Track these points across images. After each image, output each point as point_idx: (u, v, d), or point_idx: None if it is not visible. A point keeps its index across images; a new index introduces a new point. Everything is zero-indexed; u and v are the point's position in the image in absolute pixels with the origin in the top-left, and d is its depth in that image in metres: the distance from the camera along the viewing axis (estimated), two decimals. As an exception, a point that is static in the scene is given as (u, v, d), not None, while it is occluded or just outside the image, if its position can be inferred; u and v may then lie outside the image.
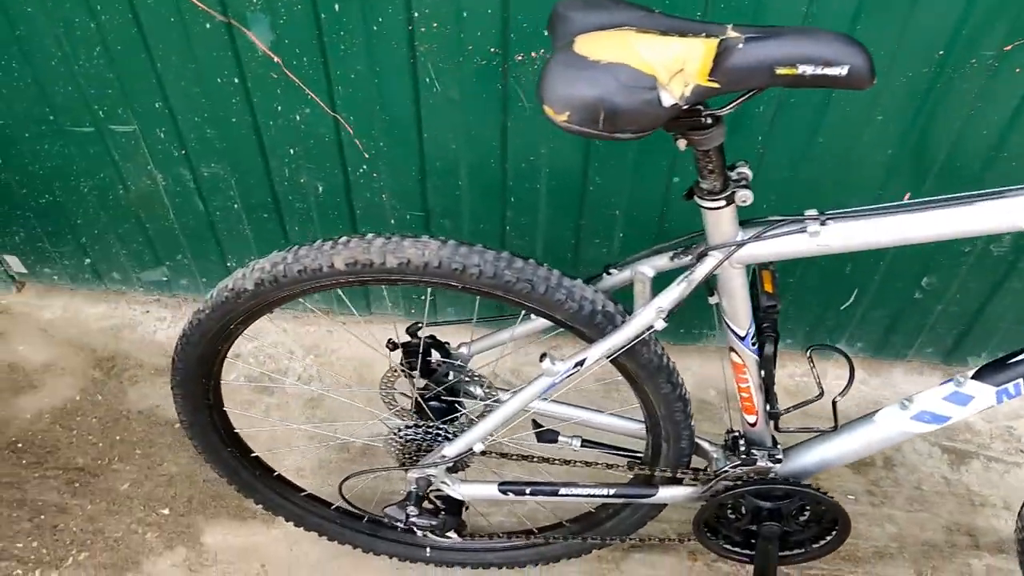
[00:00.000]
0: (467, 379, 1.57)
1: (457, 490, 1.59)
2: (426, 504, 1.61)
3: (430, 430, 1.55)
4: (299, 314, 2.34)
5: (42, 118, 1.84)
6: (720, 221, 1.20)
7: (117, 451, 2.09)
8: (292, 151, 1.84)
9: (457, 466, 1.59)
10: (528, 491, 1.58)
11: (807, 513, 1.57)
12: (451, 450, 1.49)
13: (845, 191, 1.77)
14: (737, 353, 1.37)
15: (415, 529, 1.62)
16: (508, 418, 1.43)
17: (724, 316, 1.34)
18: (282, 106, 1.75)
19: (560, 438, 1.61)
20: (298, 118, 1.77)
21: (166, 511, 2.00)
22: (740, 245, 1.22)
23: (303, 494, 1.83)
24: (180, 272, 2.23)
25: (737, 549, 1.66)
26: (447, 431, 1.55)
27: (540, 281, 1.30)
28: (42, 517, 1.98)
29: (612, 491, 1.58)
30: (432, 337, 1.56)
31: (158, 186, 1.97)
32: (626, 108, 0.98)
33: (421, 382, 1.57)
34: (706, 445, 1.57)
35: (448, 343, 1.56)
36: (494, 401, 1.54)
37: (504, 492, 1.58)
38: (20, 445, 2.09)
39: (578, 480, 1.59)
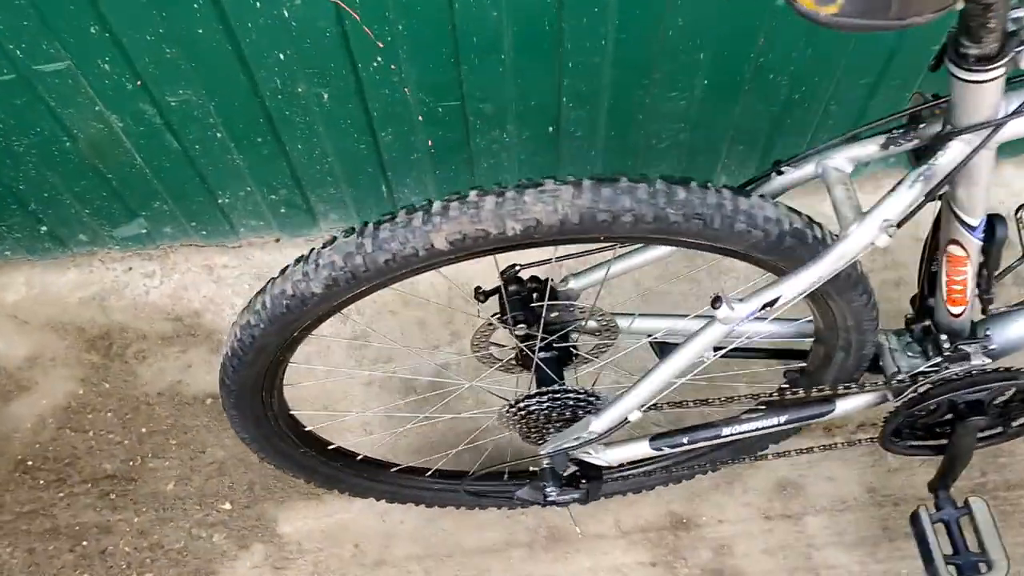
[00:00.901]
0: (585, 321, 1.24)
1: (602, 457, 1.30)
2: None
3: (558, 397, 1.24)
4: (313, 236, 1.95)
5: (-59, 73, 1.37)
6: (984, 95, 0.85)
7: (148, 446, 1.77)
8: (282, 56, 1.40)
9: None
10: (686, 440, 1.30)
11: (1012, 393, 1.32)
12: (600, 424, 1.19)
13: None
14: (961, 245, 1.06)
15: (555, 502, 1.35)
16: (671, 378, 1.12)
17: (954, 207, 1.01)
18: (261, 1, 1.29)
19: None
20: (286, 13, 1.31)
21: (227, 506, 1.71)
22: (1001, 124, 0.88)
23: (394, 470, 1.54)
24: (161, 220, 1.82)
25: (925, 444, 1.41)
26: (584, 396, 1.24)
27: (713, 212, 0.96)
28: (85, 544, 1.68)
29: (783, 418, 1.31)
30: (535, 277, 1.23)
31: (114, 130, 1.53)
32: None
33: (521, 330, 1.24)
34: (882, 337, 1.28)
35: (551, 279, 1.22)
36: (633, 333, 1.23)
37: (657, 448, 1.30)
38: (31, 463, 1.76)
39: (738, 413, 1.31)
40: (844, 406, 1.31)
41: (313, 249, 1.02)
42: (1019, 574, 1.56)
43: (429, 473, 1.57)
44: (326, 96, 1.49)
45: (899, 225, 0.95)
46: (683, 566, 1.64)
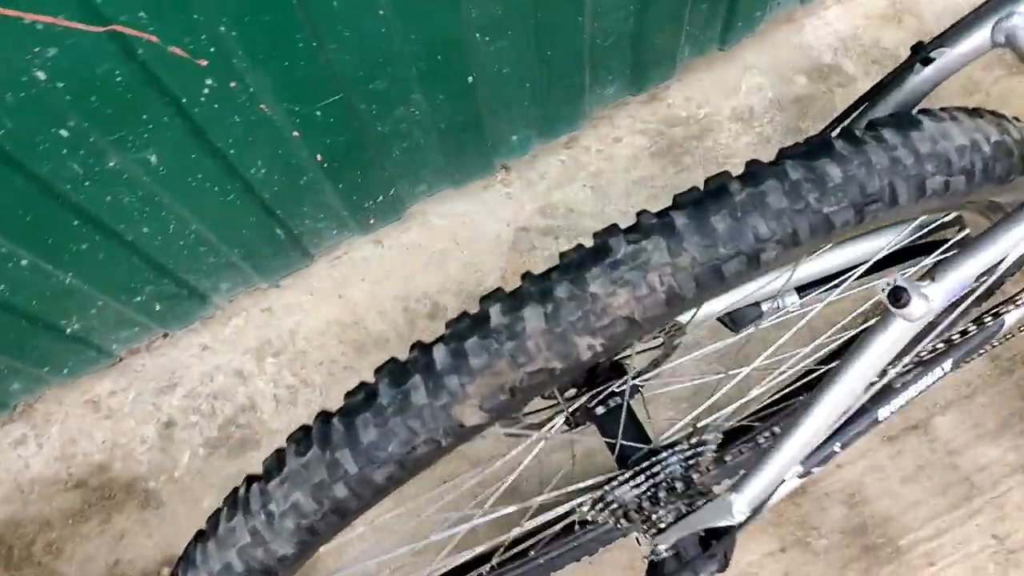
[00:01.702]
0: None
1: (744, 513, 0.92)
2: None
3: (655, 470, 0.85)
4: (209, 315, 1.47)
5: None
6: None
7: (116, 661, 1.33)
8: (65, 133, 0.90)
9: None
10: (838, 447, 0.92)
11: None
12: (744, 502, 0.80)
13: None
14: None
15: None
16: (838, 414, 0.74)
17: None
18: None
19: (764, 307, 0.94)
20: (41, 75, 0.82)
21: None
22: None
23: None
24: (1, 381, 1.31)
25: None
26: (690, 451, 0.85)
27: (892, 180, 0.56)
28: None
29: (948, 363, 0.94)
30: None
31: None
32: None
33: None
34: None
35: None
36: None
37: (805, 475, 0.93)
38: None
39: (891, 384, 0.94)
40: (1013, 317, 0.95)
41: (252, 483, 0.58)
42: None
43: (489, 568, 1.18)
44: (154, 159, 1.00)
45: None
46: (818, 537, 1.31)
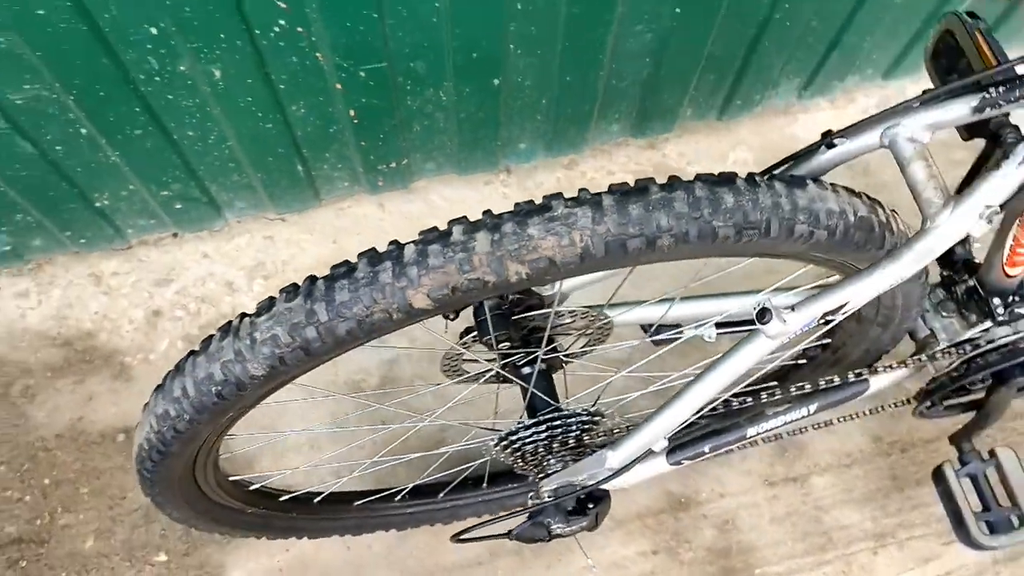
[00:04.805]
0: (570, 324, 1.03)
1: (614, 467, 1.10)
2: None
3: (556, 424, 1.03)
4: (218, 228, 1.65)
5: None
6: None
7: (55, 500, 1.49)
8: (154, 31, 1.09)
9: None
10: (707, 448, 1.11)
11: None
12: (618, 458, 0.99)
13: None
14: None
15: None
16: (704, 402, 0.92)
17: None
18: (118, -35, 0.98)
19: (684, 332, 1.12)
20: (154, -22, 1.01)
21: (162, 557, 1.46)
22: None
23: (357, 504, 1.32)
24: (27, 234, 1.49)
25: (959, 403, 1.27)
26: (586, 417, 1.03)
27: (769, 216, 0.74)
28: (-2, 627, 1.42)
29: (813, 406, 1.13)
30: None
31: (-55, 139, 1.19)
32: None
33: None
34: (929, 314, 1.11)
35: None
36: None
37: (676, 463, 1.11)
38: (-86, 542, 1.46)
39: (764, 409, 1.13)
40: (878, 383, 1.15)
41: (245, 317, 0.76)
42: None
43: (400, 495, 1.35)
44: (218, 73, 1.19)
45: (1002, 208, 0.75)
46: (687, 549, 1.49)
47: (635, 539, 1.50)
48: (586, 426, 1.05)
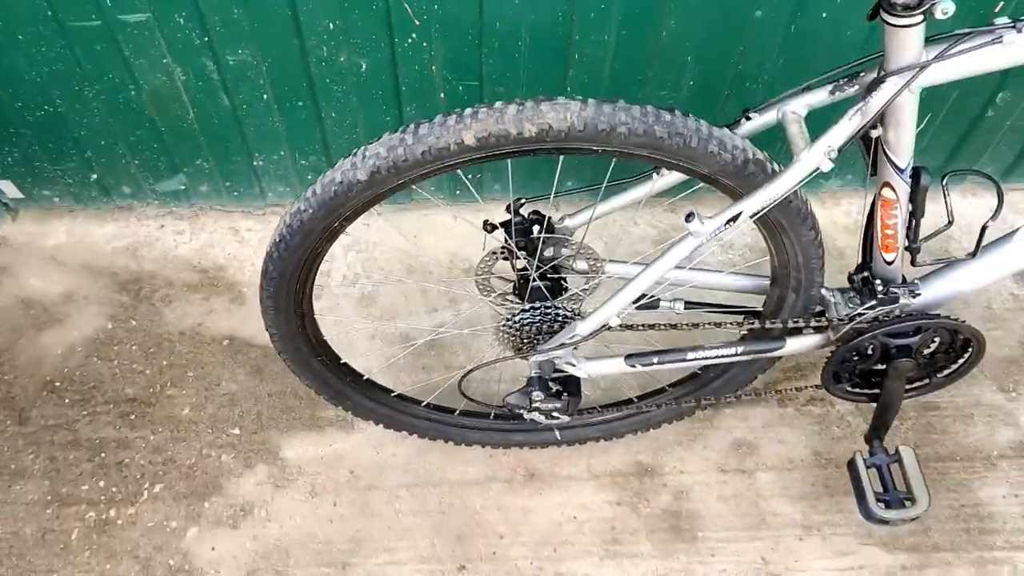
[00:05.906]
0: (577, 253, 1.46)
1: (583, 369, 1.51)
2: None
3: (548, 311, 1.45)
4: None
5: (39, 15, 1.59)
6: (908, 41, 1.10)
7: (167, 376, 1.94)
8: (332, 25, 1.65)
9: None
10: (656, 360, 1.51)
11: (936, 345, 1.55)
12: (586, 327, 1.40)
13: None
14: (892, 187, 1.30)
15: (534, 415, 1.55)
16: (648, 287, 1.34)
17: (886, 149, 1.26)
18: (323, -27, 1.55)
19: (661, 303, 1.54)
20: (342, -15, 1.57)
21: (236, 431, 1.88)
22: (924, 67, 1.12)
23: (394, 395, 1.73)
24: (200, 178, 2.03)
25: (862, 391, 1.63)
26: (568, 310, 1.45)
27: (692, 134, 1.19)
28: (103, 455, 1.84)
29: (740, 348, 1.52)
30: (536, 212, 1.45)
31: (176, 82, 1.76)
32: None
33: (520, 263, 1.46)
34: (826, 291, 1.51)
35: (550, 216, 1.45)
36: (615, 276, 1.45)
37: (631, 364, 1.51)
38: (58, 384, 1.93)
39: (701, 343, 1.53)
40: (793, 344, 1.53)
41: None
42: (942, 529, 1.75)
43: (424, 404, 1.76)
44: (364, 66, 1.73)
45: (838, 153, 1.19)
46: (645, 506, 1.82)
47: (605, 490, 1.84)
48: (569, 318, 1.47)
